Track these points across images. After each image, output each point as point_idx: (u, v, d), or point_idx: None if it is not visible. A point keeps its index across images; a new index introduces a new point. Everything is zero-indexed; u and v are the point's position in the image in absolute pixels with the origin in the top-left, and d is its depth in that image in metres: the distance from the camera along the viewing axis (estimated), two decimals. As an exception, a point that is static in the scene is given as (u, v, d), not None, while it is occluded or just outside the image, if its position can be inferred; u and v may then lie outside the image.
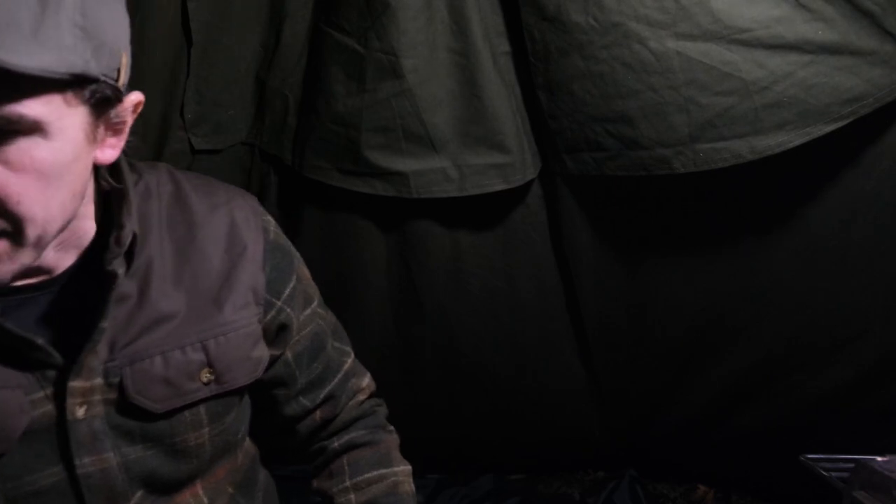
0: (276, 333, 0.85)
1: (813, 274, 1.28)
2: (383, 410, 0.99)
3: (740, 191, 1.21)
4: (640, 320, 1.39)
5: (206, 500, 0.81)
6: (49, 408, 0.69)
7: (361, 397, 0.96)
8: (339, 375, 0.93)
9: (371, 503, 0.89)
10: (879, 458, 0.90)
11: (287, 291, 0.84)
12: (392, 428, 0.98)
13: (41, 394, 0.69)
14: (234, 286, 0.79)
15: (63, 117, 0.63)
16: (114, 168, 0.74)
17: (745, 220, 1.27)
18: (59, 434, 0.70)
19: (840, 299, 1.29)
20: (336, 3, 1.16)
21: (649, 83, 1.10)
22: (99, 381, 0.71)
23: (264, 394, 0.88)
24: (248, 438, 0.90)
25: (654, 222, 1.30)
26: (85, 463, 0.70)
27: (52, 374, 0.69)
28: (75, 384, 0.70)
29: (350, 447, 0.93)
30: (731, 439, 1.49)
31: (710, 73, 1.08)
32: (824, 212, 1.23)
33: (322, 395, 0.91)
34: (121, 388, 0.71)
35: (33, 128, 0.61)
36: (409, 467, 0.95)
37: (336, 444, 0.93)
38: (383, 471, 0.92)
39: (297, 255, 0.88)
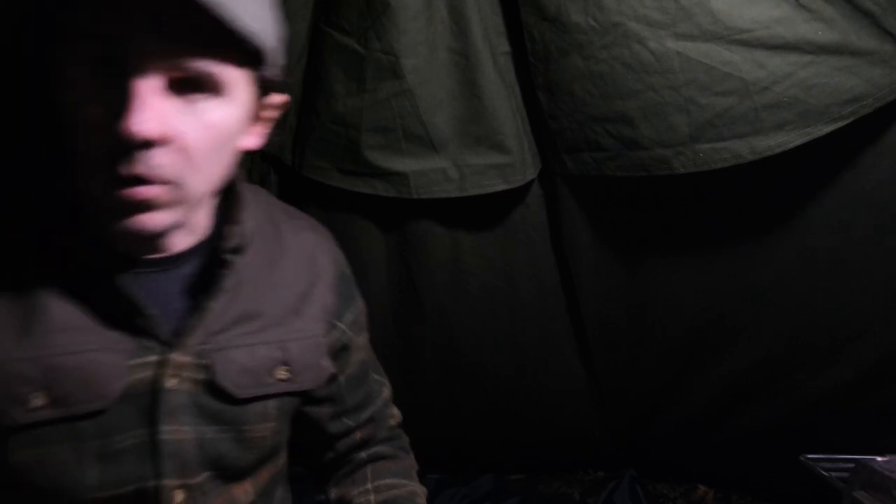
0: (336, 353, 0.94)
1: (813, 274, 1.28)
2: (406, 438, 1.08)
3: (740, 191, 1.21)
4: (640, 320, 1.39)
5: (253, 497, 0.87)
6: (146, 375, 0.75)
7: (393, 422, 1.06)
8: (380, 402, 1.03)
9: (390, 501, 0.96)
10: (879, 458, 0.90)
11: (349, 317, 0.94)
12: (412, 454, 1.08)
13: (141, 361, 0.74)
14: (310, 301, 0.88)
15: (242, 89, 0.71)
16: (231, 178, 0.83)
17: (745, 220, 1.27)
18: (151, 400, 0.75)
19: (840, 299, 1.29)
20: (336, 3, 1.16)
21: (649, 83, 1.10)
22: (191, 359, 0.77)
23: (313, 409, 0.96)
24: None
25: (654, 222, 1.30)
26: (167, 430, 0.76)
27: (152, 345, 0.75)
28: (173, 356, 0.76)
29: (375, 458, 1.01)
30: (731, 439, 1.49)
31: (710, 74, 1.08)
32: (824, 212, 1.23)
33: (364, 418, 1.00)
34: (209, 369, 0.78)
35: (221, 89, 0.68)
36: (425, 490, 1.04)
37: (364, 454, 1.01)
38: (404, 481, 1.00)
39: (358, 288, 0.99)
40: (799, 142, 1.08)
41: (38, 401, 0.70)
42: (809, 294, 1.30)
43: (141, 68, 0.63)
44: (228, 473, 0.83)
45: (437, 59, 1.14)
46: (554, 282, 1.37)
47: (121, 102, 0.63)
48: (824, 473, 0.96)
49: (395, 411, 1.08)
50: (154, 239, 0.75)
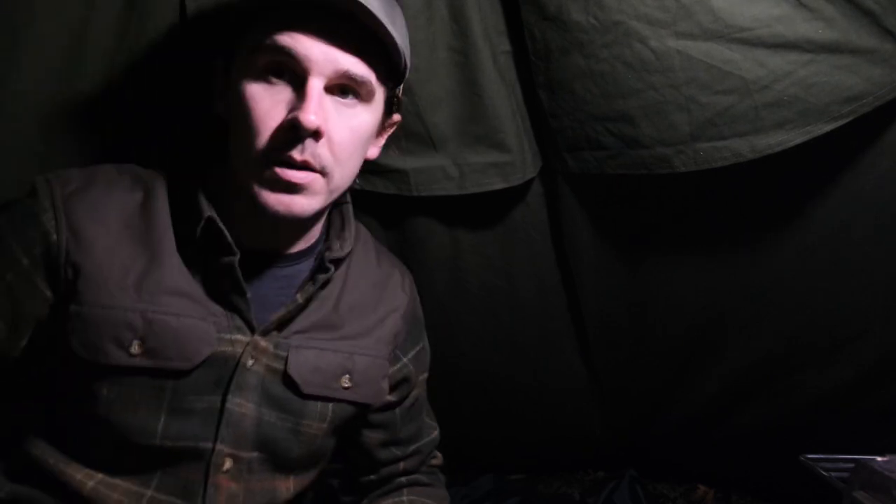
0: (397, 384, 1.04)
1: (813, 273, 1.28)
2: (444, 478, 1.17)
3: (741, 190, 1.21)
4: (640, 319, 1.39)
5: (291, 494, 0.94)
6: (231, 350, 0.85)
7: (435, 463, 1.16)
8: (428, 440, 1.12)
9: None
10: (879, 458, 0.90)
11: (413, 353, 1.06)
12: (448, 493, 1.14)
13: (230, 337, 0.85)
14: (383, 326, 0.99)
15: (379, 101, 0.85)
16: (344, 196, 0.97)
17: (746, 219, 1.27)
18: (228, 373, 0.85)
19: (840, 299, 1.29)
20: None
21: (650, 82, 1.10)
22: (271, 347, 0.87)
23: (368, 433, 1.04)
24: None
25: (654, 221, 1.30)
26: (234, 401, 0.85)
27: (242, 325, 0.86)
28: (257, 339, 0.86)
29: (413, 483, 1.10)
30: (731, 439, 1.49)
31: (711, 72, 1.08)
32: (824, 211, 1.23)
33: (411, 450, 1.09)
34: (284, 361, 0.88)
35: (368, 96, 0.83)
36: None
37: (403, 479, 1.09)
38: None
39: (425, 329, 1.12)
40: (799, 140, 1.08)
41: (135, 348, 0.80)
42: (809, 294, 1.30)
43: (311, 72, 0.77)
44: (276, 462, 0.90)
45: (438, 57, 1.14)
46: (554, 280, 1.37)
47: (291, 101, 0.78)
48: (824, 473, 0.96)
49: (440, 455, 1.16)
50: (296, 222, 0.87)
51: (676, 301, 1.36)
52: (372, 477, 1.08)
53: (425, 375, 1.12)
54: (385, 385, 1.00)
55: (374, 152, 0.94)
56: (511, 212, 1.30)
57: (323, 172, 0.81)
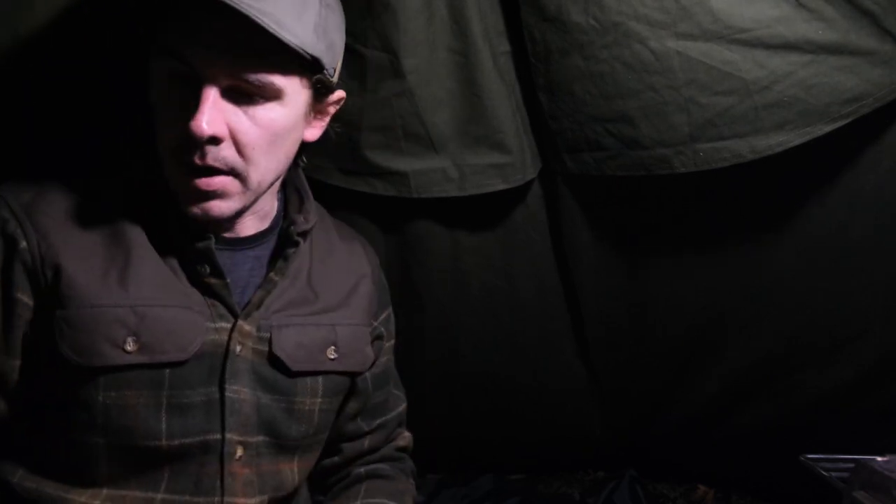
0: (372, 343, 1.03)
1: (813, 274, 1.28)
2: (411, 463, 1.14)
3: (740, 190, 1.21)
4: (640, 319, 1.39)
5: (296, 478, 0.94)
6: (219, 338, 0.84)
7: (402, 443, 1.13)
8: (394, 413, 1.10)
9: None
10: (879, 458, 0.90)
11: (383, 316, 1.07)
12: (414, 483, 1.11)
13: (215, 325, 0.84)
14: (357, 294, 0.99)
15: (296, 93, 0.82)
16: (297, 174, 0.98)
17: (746, 219, 1.27)
18: (220, 361, 0.84)
19: (840, 299, 1.29)
20: (336, 2, 1.16)
21: (650, 83, 1.10)
22: (254, 331, 0.87)
23: (343, 404, 1.02)
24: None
25: (654, 222, 1.30)
26: (233, 389, 0.84)
27: (224, 312, 0.85)
28: (241, 323, 0.86)
29: (372, 475, 1.06)
30: (731, 439, 1.49)
31: (711, 73, 1.08)
32: (824, 212, 1.23)
33: (376, 423, 1.07)
34: (268, 342, 0.87)
35: (276, 95, 0.80)
36: None
37: (362, 470, 1.07)
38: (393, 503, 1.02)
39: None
40: (799, 141, 1.08)
41: (130, 345, 0.79)
42: (809, 294, 1.30)
43: (206, 79, 0.76)
44: (280, 442, 0.90)
45: (438, 58, 1.14)
46: (554, 281, 1.37)
47: (190, 106, 0.76)
48: (824, 473, 0.96)
49: (407, 434, 1.15)
50: (223, 223, 0.87)
51: (676, 301, 1.36)
52: (335, 458, 1.06)
53: (392, 342, 1.11)
54: (369, 351, 1.01)
55: (312, 134, 0.91)
56: (511, 213, 1.30)
57: (234, 174, 0.81)
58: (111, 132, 1.00)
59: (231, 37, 0.75)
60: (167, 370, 0.81)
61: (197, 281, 0.85)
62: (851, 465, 0.93)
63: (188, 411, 0.82)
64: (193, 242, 0.84)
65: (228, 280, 0.85)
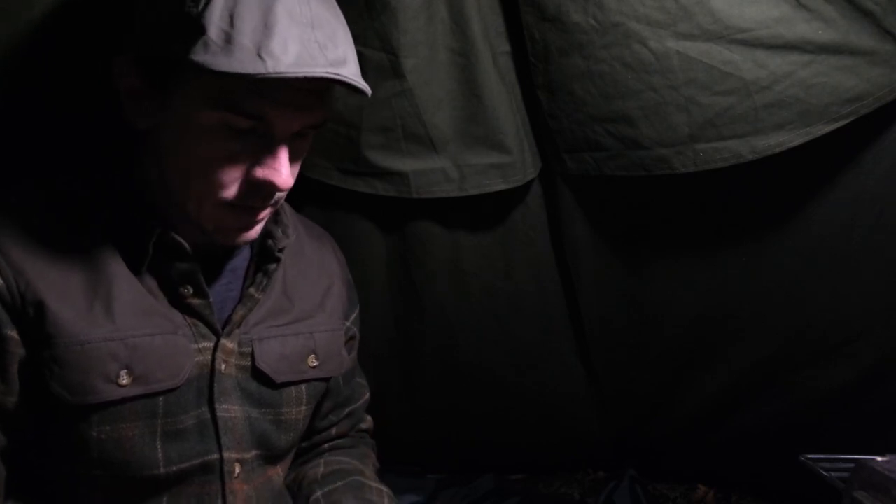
0: (346, 343, 1.04)
1: (813, 274, 1.28)
2: (373, 442, 1.15)
3: (740, 191, 1.21)
4: (640, 320, 1.39)
5: (282, 479, 0.96)
6: (204, 358, 0.83)
7: (364, 426, 1.14)
8: (361, 402, 1.11)
9: (335, 472, 1.01)
10: (879, 458, 0.90)
11: (353, 315, 1.07)
12: (374, 453, 1.13)
13: (200, 346, 0.83)
14: (330, 298, 0.99)
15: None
16: None
17: (745, 219, 1.27)
18: (208, 382, 0.83)
19: (840, 299, 1.29)
20: (336, 2, 1.16)
21: (649, 83, 1.10)
22: (235, 346, 0.86)
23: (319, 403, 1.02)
24: None
25: (654, 222, 1.30)
26: (223, 408, 0.84)
27: (206, 331, 0.84)
28: (223, 342, 0.85)
29: (334, 448, 1.08)
30: (731, 439, 1.49)
31: (711, 73, 1.08)
32: (824, 212, 1.23)
33: (344, 414, 1.08)
34: (251, 356, 0.87)
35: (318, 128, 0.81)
36: (376, 466, 1.10)
37: (326, 446, 1.08)
38: (355, 461, 1.05)
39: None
40: (799, 141, 1.08)
41: (124, 378, 0.77)
42: (809, 294, 1.30)
43: (282, 137, 0.76)
44: (271, 454, 0.91)
45: (437, 58, 1.14)
46: (554, 281, 1.37)
47: (260, 157, 0.76)
48: (824, 473, 0.95)
49: (369, 418, 1.16)
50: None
51: (676, 302, 1.36)
52: (303, 444, 1.06)
53: (358, 339, 1.10)
54: (346, 354, 1.02)
55: None
56: (511, 213, 1.30)
57: (275, 205, 0.83)
58: (87, 150, 0.91)
59: (307, 97, 0.76)
60: (161, 398, 0.80)
61: (177, 301, 0.83)
62: (851, 464, 0.93)
63: (183, 436, 0.81)
64: (174, 262, 0.81)
65: (211, 299, 0.84)
